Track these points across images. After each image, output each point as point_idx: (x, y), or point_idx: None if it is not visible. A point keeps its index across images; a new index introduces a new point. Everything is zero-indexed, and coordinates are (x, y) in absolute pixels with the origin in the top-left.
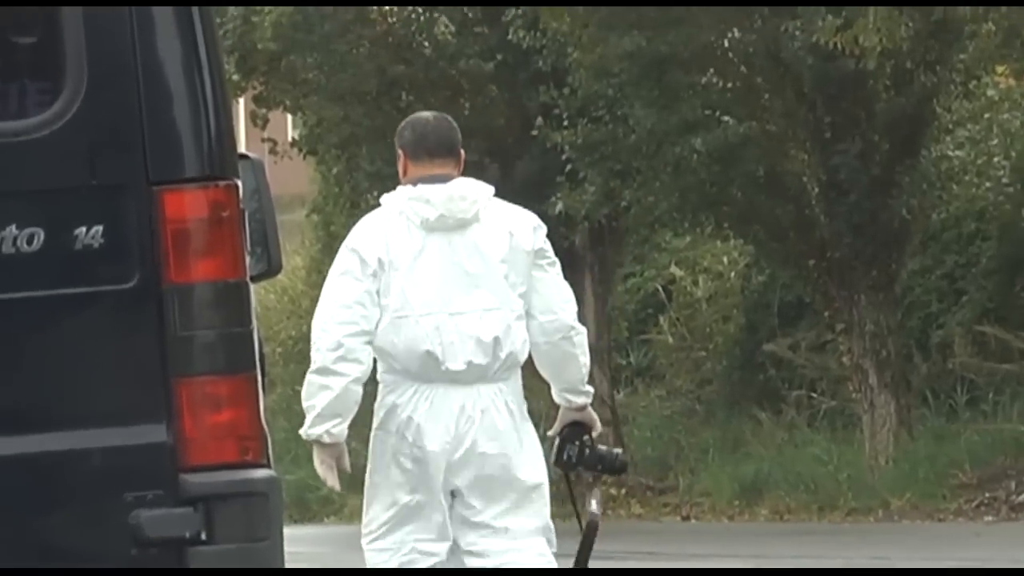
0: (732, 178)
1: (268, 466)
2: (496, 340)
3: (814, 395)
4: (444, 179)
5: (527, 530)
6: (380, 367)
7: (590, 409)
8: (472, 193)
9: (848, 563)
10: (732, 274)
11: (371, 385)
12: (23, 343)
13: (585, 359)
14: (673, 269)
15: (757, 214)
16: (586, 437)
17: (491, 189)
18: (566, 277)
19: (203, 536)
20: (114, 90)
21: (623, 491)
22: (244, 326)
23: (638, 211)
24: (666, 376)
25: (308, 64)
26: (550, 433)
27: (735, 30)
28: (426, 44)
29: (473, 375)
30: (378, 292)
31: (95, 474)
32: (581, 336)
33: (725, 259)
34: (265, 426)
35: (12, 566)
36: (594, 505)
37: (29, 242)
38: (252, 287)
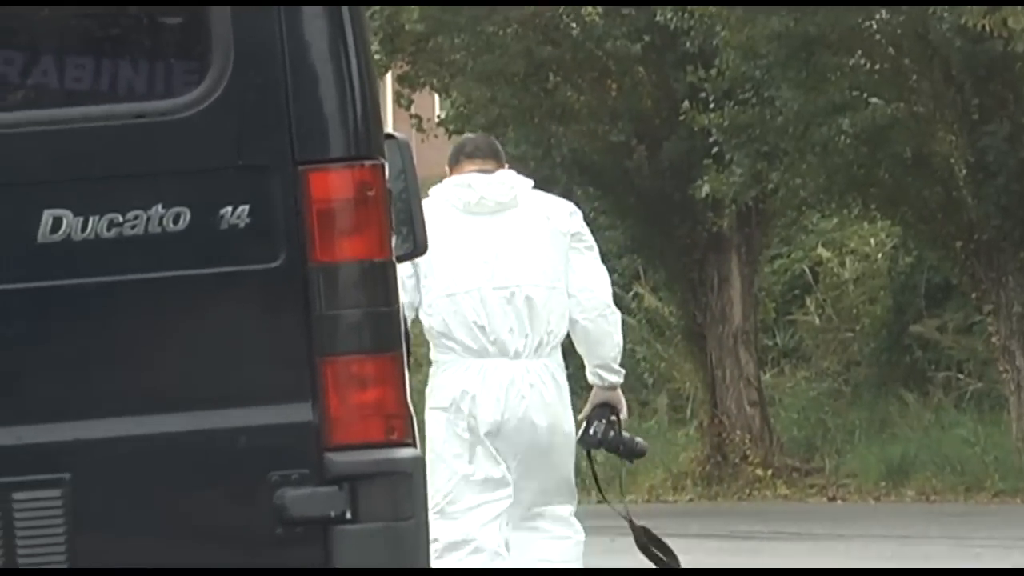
0: (879, 160)
1: (413, 445)
2: (535, 311)
3: (961, 376)
4: (486, 172)
5: (558, 516)
6: (433, 350)
7: (619, 391)
8: (511, 180)
9: (994, 544)
10: (879, 256)
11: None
12: (169, 322)
13: (619, 338)
14: (820, 251)
15: (904, 196)
16: (613, 418)
17: (530, 182)
18: (712, 260)
19: (348, 515)
20: (260, 70)
21: (770, 472)
22: (389, 305)
23: (785, 193)
24: (812, 357)
25: (455, 45)
26: (580, 416)
27: (883, 11)
28: (573, 25)
29: (517, 345)
30: (418, 276)
31: (241, 453)
32: (616, 316)
33: (872, 241)
34: (410, 405)
35: (160, 543)
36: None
37: (175, 221)
38: (397, 267)
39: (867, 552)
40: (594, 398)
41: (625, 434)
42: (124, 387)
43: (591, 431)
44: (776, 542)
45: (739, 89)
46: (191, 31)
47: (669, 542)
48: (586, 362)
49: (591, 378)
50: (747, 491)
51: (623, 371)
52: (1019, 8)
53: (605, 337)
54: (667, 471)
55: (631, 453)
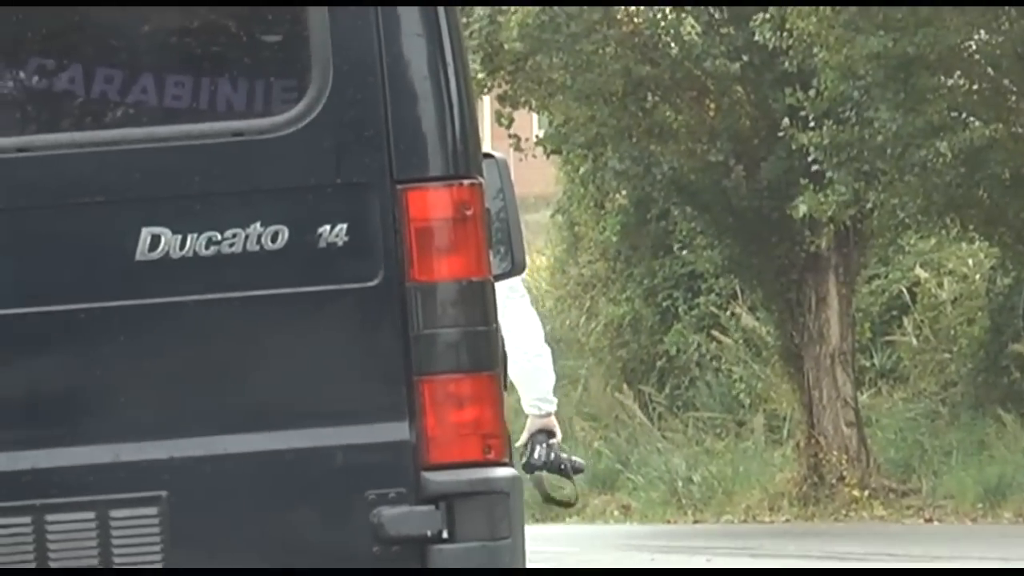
0: (978, 180)
1: (510, 465)
2: None
3: None
4: None
5: None
6: None
7: (553, 418)
8: None
9: None
10: (977, 276)
11: None
12: (266, 340)
13: (552, 374)
14: (918, 271)
15: (1003, 216)
16: (552, 441)
17: None
18: (810, 280)
19: (445, 535)
20: (359, 89)
21: (866, 493)
22: (487, 325)
23: (883, 213)
24: (910, 378)
25: (554, 64)
26: (517, 444)
27: (982, 32)
28: (672, 44)
29: None
30: None
31: (338, 472)
32: (548, 353)
33: (970, 261)
34: (507, 425)
35: (256, 561)
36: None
37: (273, 240)
38: (495, 286)
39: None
40: (531, 426)
41: (563, 454)
42: (221, 405)
43: (535, 455)
44: (872, 563)
45: (838, 109)
46: (290, 49)
47: (766, 563)
48: (523, 396)
49: (528, 409)
50: (844, 512)
51: (556, 400)
52: None
53: (541, 374)
54: (764, 491)
55: (575, 470)
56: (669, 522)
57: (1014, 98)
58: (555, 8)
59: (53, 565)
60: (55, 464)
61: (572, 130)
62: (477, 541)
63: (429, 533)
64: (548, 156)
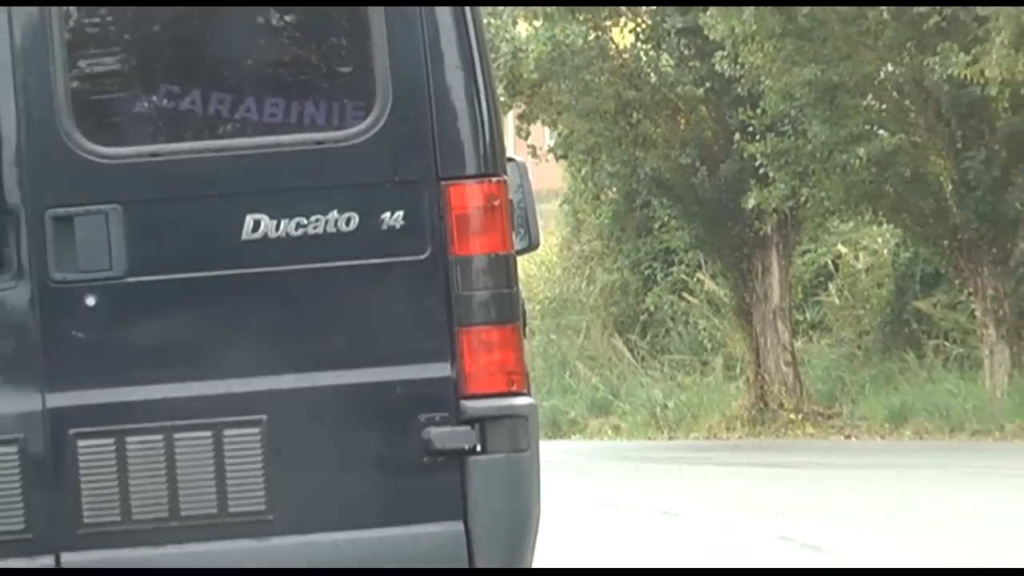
0: (886, 178)
1: (528, 395)
2: None
3: (947, 343)
4: None
5: None
6: None
7: None
8: None
9: (970, 471)
10: (885, 251)
11: None
12: (341, 300)
13: None
14: (839, 247)
15: (905, 205)
16: None
17: None
18: (757, 254)
19: (478, 448)
20: (411, 108)
21: (800, 416)
22: (510, 288)
23: (813, 203)
24: (833, 328)
25: (561, 89)
26: None
27: (889, 65)
28: (652, 74)
29: None
30: None
31: (396, 400)
32: None
33: (879, 240)
34: (526, 364)
35: (334, 468)
36: None
37: (347, 224)
38: (516, 259)
39: (876, 478)
40: None
41: None
42: (307, 349)
43: None
44: (805, 470)
45: (779, 124)
46: (359, 78)
47: (724, 469)
48: None
49: None
50: (783, 430)
51: None
52: (993, 62)
53: None
54: (722, 415)
55: None
56: (650, 439)
57: (913, 115)
58: (563, 44)
59: (179, 473)
60: (182, 395)
61: (575, 140)
62: (503, 453)
63: (466, 447)
64: (557, 160)
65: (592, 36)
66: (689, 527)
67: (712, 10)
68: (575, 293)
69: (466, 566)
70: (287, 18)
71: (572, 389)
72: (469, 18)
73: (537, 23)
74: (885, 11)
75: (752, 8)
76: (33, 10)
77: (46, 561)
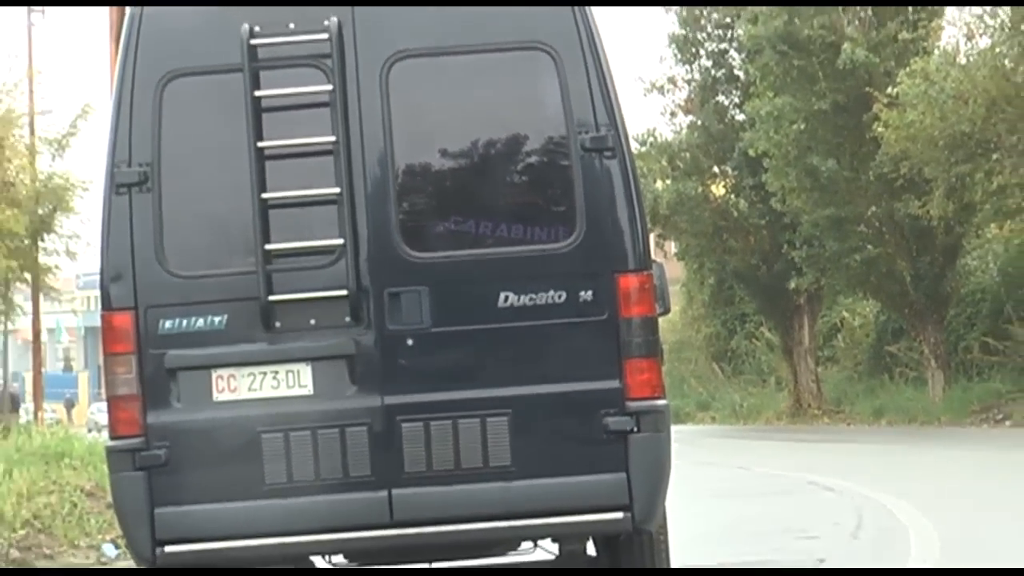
0: (871, 273)
1: (664, 398)
2: None
3: (908, 370)
4: None
5: None
6: None
7: None
8: None
9: (921, 443)
10: (870, 316)
11: None
12: (557, 343)
13: None
14: (844, 313)
15: (882, 289)
16: None
17: None
18: (795, 317)
19: (635, 430)
20: (597, 230)
21: (820, 412)
22: (654, 335)
23: (828, 288)
24: (840, 360)
25: (682, 220)
26: None
27: (873, 207)
28: (734, 211)
29: None
30: None
31: (588, 401)
32: None
33: (867, 309)
34: (663, 380)
35: (548, 444)
36: None
37: (559, 298)
38: (658, 319)
39: (865, 448)
40: None
41: None
42: (536, 371)
43: None
44: (823, 444)
45: (809, 241)
46: (567, 213)
47: (774, 442)
48: None
49: None
50: (810, 421)
51: None
52: (935, 205)
53: None
54: (773, 412)
55: None
56: (731, 425)
57: (886, 236)
58: (683, 195)
59: (461, 443)
60: (461, 397)
61: (689, 250)
62: (649, 433)
63: (628, 429)
64: (679, 260)
65: (700, 189)
66: (754, 475)
67: (769, 174)
68: (689, 338)
69: (627, 502)
70: (524, 178)
71: (687, 395)
72: (631, 174)
73: (668, 181)
74: (872, 173)
75: (795, 171)
76: (386, 161)
77: (383, 493)
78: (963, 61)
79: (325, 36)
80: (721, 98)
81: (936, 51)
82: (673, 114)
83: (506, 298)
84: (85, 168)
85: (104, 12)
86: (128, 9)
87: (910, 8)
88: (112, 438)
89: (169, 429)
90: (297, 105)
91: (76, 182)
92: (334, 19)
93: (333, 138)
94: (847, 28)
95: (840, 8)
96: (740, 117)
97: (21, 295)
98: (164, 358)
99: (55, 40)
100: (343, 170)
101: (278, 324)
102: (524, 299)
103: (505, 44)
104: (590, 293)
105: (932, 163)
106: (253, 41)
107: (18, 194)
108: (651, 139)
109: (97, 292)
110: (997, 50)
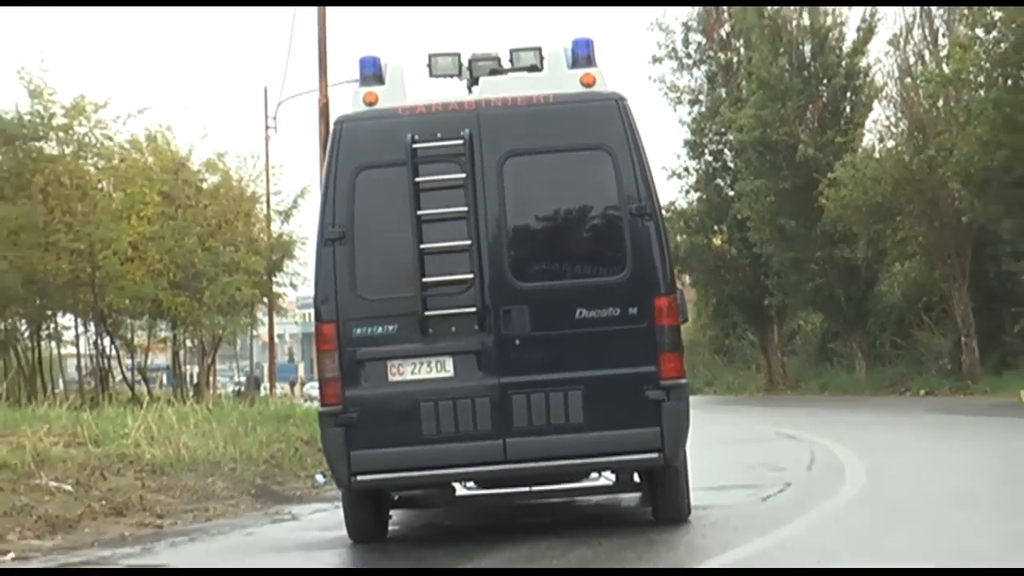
0: (820, 296)
1: (684, 378)
2: None
3: (842, 359)
4: None
5: None
6: None
7: None
8: None
9: (852, 409)
10: (818, 323)
11: None
12: (615, 343)
13: None
14: (801, 322)
15: (825, 306)
16: None
17: None
18: (769, 327)
19: (666, 399)
20: (640, 268)
21: (785, 387)
22: (678, 337)
23: (792, 306)
24: (799, 353)
25: (692, 260)
26: None
27: (819, 252)
28: (728, 254)
29: None
30: None
31: (636, 380)
32: None
33: (816, 320)
34: (684, 366)
35: (601, 413)
36: None
37: (616, 312)
38: (680, 325)
39: (815, 411)
40: None
41: None
42: (600, 359)
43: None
44: (786, 408)
45: (780, 274)
46: (620, 257)
47: (752, 408)
48: None
49: None
50: (778, 394)
51: None
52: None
53: None
54: (754, 386)
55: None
56: (726, 396)
57: (827, 270)
58: (694, 244)
59: (550, 407)
60: (549, 378)
61: (698, 280)
62: (675, 401)
63: (662, 399)
64: (692, 287)
65: (705, 241)
66: (740, 428)
67: (751, 230)
68: (698, 339)
69: (660, 447)
70: (591, 234)
71: (697, 376)
72: (662, 231)
73: (684, 236)
74: (819, 230)
75: (768, 228)
76: (501, 223)
77: (499, 441)
78: (877, 155)
79: (461, 141)
80: (718, 181)
81: (860, 149)
82: (687, 191)
83: (580, 312)
84: (303, 229)
85: (315, 127)
86: (332, 124)
87: (841, 120)
88: (322, 405)
89: (359, 399)
90: (443, 187)
91: (297, 238)
92: (467, 130)
93: (466, 208)
94: (802, 135)
95: (796, 120)
96: (731, 193)
97: (261, 312)
98: (356, 353)
99: (283, 144)
100: (472, 229)
101: (431, 331)
102: (592, 313)
103: (578, 146)
104: (636, 309)
105: (858, 223)
106: (414, 145)
107: (260, 246)
108: (673, 207)
109: (311, 310)
110: (899, 148)
